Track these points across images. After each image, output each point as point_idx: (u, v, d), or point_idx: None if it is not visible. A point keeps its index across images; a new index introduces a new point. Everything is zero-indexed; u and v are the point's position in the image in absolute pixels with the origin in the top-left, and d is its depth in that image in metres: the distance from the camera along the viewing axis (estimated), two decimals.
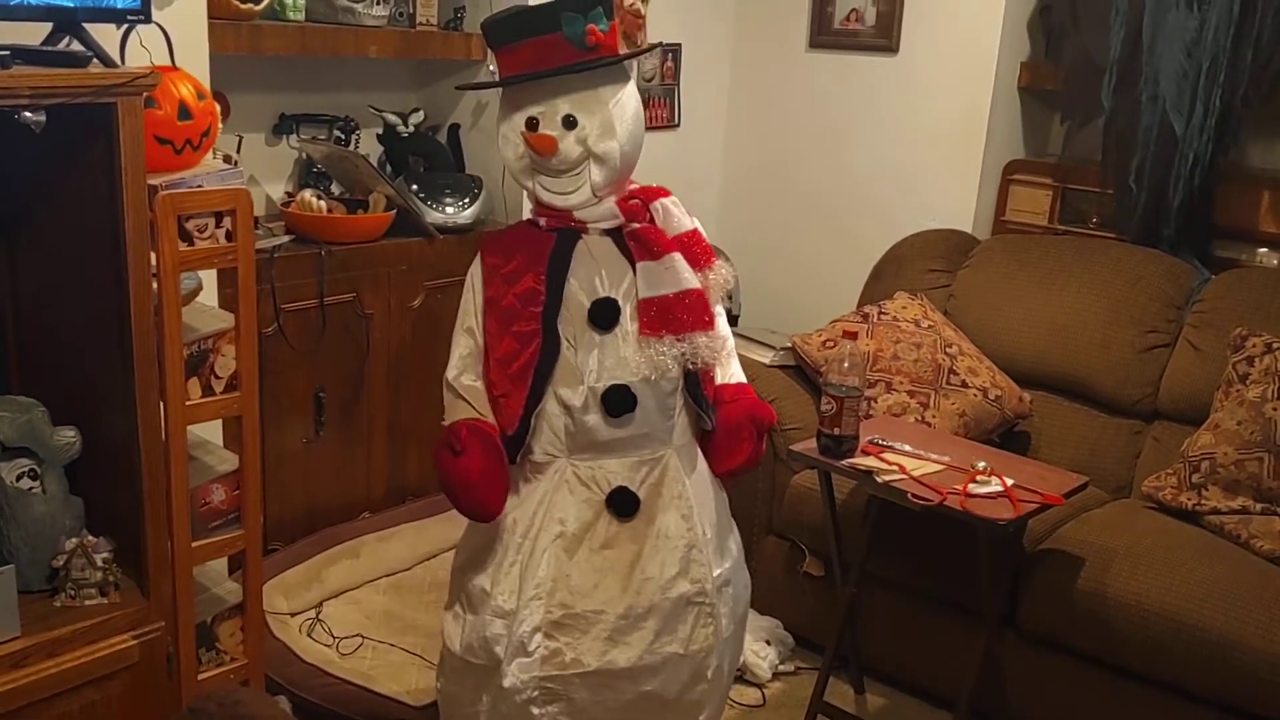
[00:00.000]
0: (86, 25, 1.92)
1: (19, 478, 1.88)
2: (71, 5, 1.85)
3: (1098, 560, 2.39)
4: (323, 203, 2.93)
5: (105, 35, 2.01)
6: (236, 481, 2.12)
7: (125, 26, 2.07)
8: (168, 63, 2.19)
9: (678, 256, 2.02)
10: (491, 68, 3.27)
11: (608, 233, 2.04)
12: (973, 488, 2.26)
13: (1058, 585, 2.41)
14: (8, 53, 1.67)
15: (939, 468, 2.35)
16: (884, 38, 3.50)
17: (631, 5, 3.40)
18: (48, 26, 1.90)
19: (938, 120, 3.42)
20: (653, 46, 2.05)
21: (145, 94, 1.78)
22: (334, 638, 2.68)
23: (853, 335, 2.45)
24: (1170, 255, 2.99)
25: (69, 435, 1.93)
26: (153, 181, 1.87)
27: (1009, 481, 2.28)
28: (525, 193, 2.09)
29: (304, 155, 3.18)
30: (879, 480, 2.30)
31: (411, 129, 3.29)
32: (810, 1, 3.65)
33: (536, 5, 1.97)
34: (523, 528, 2.00)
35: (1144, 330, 2.87)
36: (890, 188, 3.54)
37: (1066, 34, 3.30)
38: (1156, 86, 2.97)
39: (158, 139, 2.04)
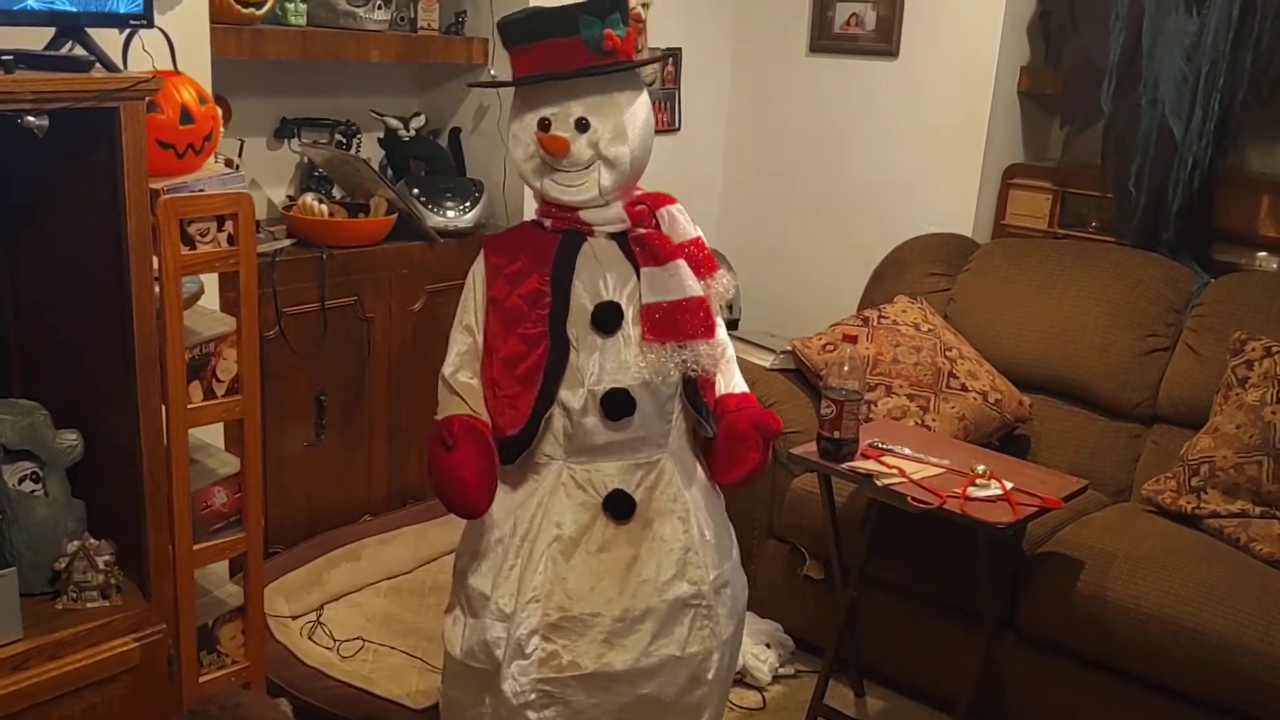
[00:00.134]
0: (89, 30, 1.93)
1: (21, 480, 1.89)
2: (74, 10, 1.86)
3: (1097, 563, 2.39)
4: (324, 206, 2.94)
5: (108, 40, 2.01)
6: (238, 484, 2.12)
7: (128, 31, 2.07)
8: (170, 67, 2.20)
9: (682, 263, 2.03)
10: (492, 71, 3.28)
11: (613, 236, 2.05)
12: (972, 491, 2.26)
13: (1057, 588, 2.41)
14: (11, 57, 1.68)
15: (939, 471, 2.36)
16: (884, 42, 3.51)
17: (632, 9, 3.41)
18: (51, 31, 1.91)
19: (938, 124, 3.43)
20: (668, 54, 2.05)
21: (147, 98, 1.79)
22: (335, 640, 2.68)
23: (853, 339, 2.45)
24: (1170, 259, 3.00)
25: (71, 438, 1.94)
26: (155, 185, 1.88)
27: (1008, 485, 2.28)
28: (531, 193, 2.10)
29: (305, 159, 3.19)
30: (879, 483, 2.31)
31: (413, 133, 3.30)
32: (810, 6, 3.66)
33: (555, 7, 1.98)
34: (522, 530, 2.01)
35: (1143, 334, 2.88)
36: (890, 191, 3.55)
37: (1066, 38, 3.30)
38: (1156, 91, 2.98)
39: (160, 143, 2.05)
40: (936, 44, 3.41)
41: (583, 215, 2.03)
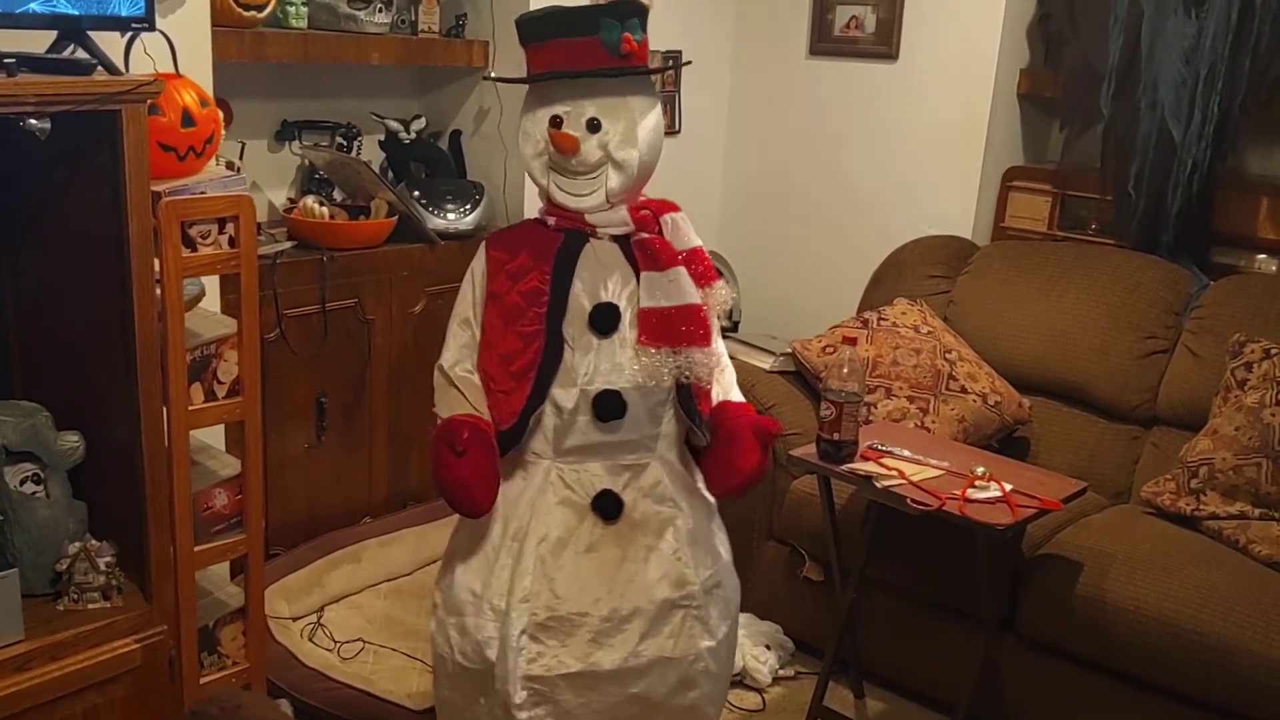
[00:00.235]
0: (91, 33, 1.94)
1: (23, 482, 1.90)
2: (76, 14, 1.86)
3: (1096, 565, 2.39)
4: (325, 209, 2.94)
5: (110, 43, 2.02)
6: (239, 486, 2.13)
7: (129, 34, 2.08)
8: (171, 70, 2.20)
9: (682, 270, 2.03)
10: (491, 73, 3.29)
11: (615, 239, 2.05)
12: (971, 493, 2.26)
13: (1056, 590, 2.41)
14: (13, 60, 1.68)
15: (938, 473, 2.36)
16: (884, 45, 3.51)
17: None
18: (53, 34, 1.91)
19: (937, 127, 3.43)
20: (686, 63, 2.07)
21: (149, 101, 1.79)
22: (335, 642, 2.69)
23: (852, 341, 2.46)
24: (1169, 261, 3.00)
25: (72, 440, 1.94)
26: (156, 188, 1.89)
27: (1008, 487, 2.29)
28: (537, 191, 2.10)
29: (306, 162, 3.19)
30: (878, 485, 2.31)
31: (413, 135, 3.31)
32: (810, 8, 3.66)
33: (575, 7, 1.99)
34: (511, 530, 2.02)
35: (1143, 336, 2.88)
36: (890, 194, 3.55)
37: (1065, 41, 3.31)
38: (1155, 93, 2.99)
39: (161, 145, 2.06)
40: (936, 47, 3.41)
41: (587, 216, 2.04)
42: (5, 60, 1.68)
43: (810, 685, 2.70)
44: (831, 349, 2.93)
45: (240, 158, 2.87)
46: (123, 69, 2.06)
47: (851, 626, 2.67)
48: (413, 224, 3.07)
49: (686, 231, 2.10)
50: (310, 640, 2.68)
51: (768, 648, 2.82)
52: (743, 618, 2.89)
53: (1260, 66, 2.86)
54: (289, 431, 2.87)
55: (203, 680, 2.10)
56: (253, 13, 2.71)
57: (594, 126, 1.98)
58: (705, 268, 2.09)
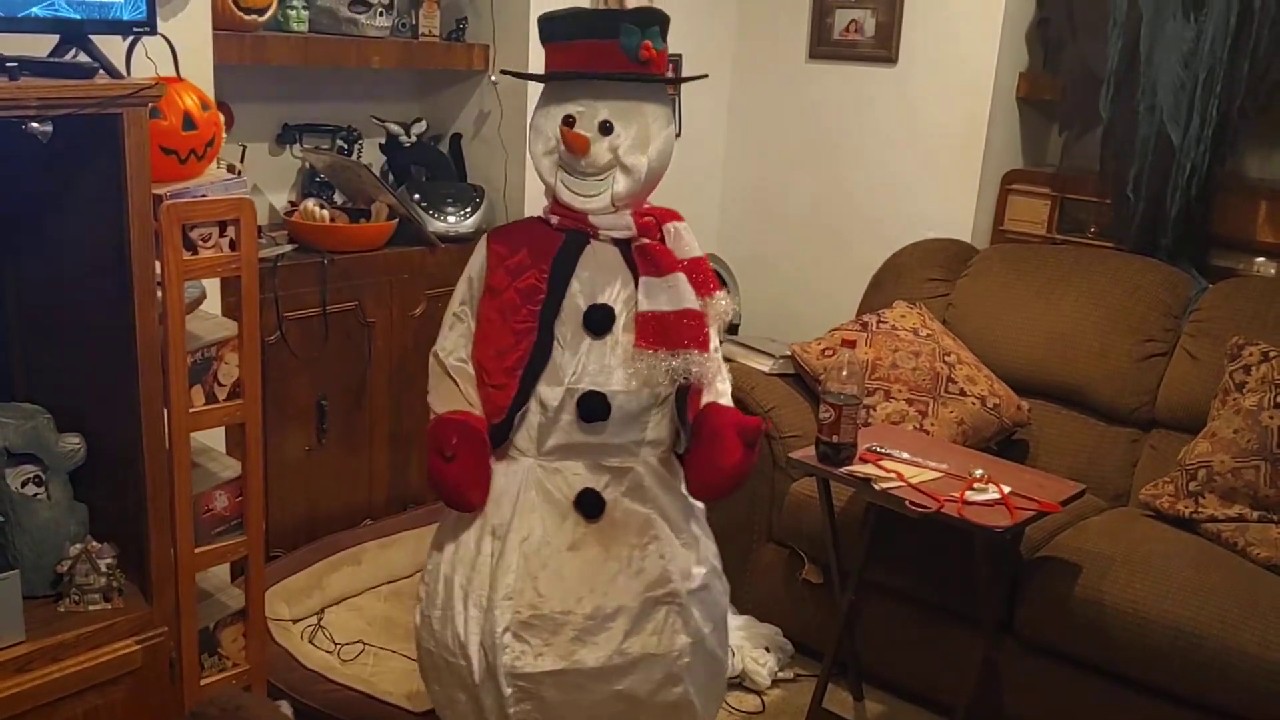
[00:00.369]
0: (93, 37, 1.95)
1: (24, 484, 1.90)
2: (78, 18, 1.87)
3: (1095, 568, 2.40)
4: (325, 212, 2.95)
5: (111, 46, 2.03)
6: (239, 488, 2.14)
7: (131, 38, 2.09)
8: (173, 73, 2.21)
9: (681, 277, 2.04)
10: (493, 78, 3.30)
11: (616, 243, 2.06)
12: (970, 495, 2.27)
13: (1055, 592, 2.42)
14: (15, 64, 1.69)
15: (937, 475, 2.36)
16: (883, 48, 3.52)
17: None
18: (55, 38, 1.92)
19: (937, 130, 3.44)
20: (699, 76, 2.10)
21: (150, 105, 1.80)
22: (335, 644, 2.69)
23: (851, 344, 2.46)
24: (1168, 264, 3.00)
25: (73, 442, 1.95)
26: (157, 191, 1.89)
27: (1006, 489, 2.29)
28: (542, 191, 2.11)
29: (307, 165, 3.20)
30: (877, 487, 2.32)
31: (414, 139, 3.32)
32: (810, 12, 3.67)
33: (598, 10, 2.00)
34: (493, 526, 2.02)
35: (1142, 339, 2.88)
36: (889, 197, 3.56)
37: (1064, 45, 3.32)
38: (1154, 97, 2.99)
39: (162, 149, 2.06)
40: (935, 50, 3.42)
41: (591, 218, 2.04)
42: (7, 64, 1.68)
43: (809, 687, 2.71)
44: (831, 351, 2.93)
45: (241, 161, 2.88)
46: (124, 72, 2.07)
47: (850, 629, 2.67)
48: (413, 227, 3.08)
49: (689, 241, 2.11)
50: (310, 642, 2.68)
51: (767, 650, 2.82)
52: (742, 620, 2.90)
53: (1259, 70, 2.87)
54: (290, 434, 2.88)
55: (203, 682, 2.10)
56: (254, 16, 2.72)
57: (606, 129, 1.99)
58: (706, 277, 2.10)
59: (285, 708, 2.39)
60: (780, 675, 2.81)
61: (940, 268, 3.26)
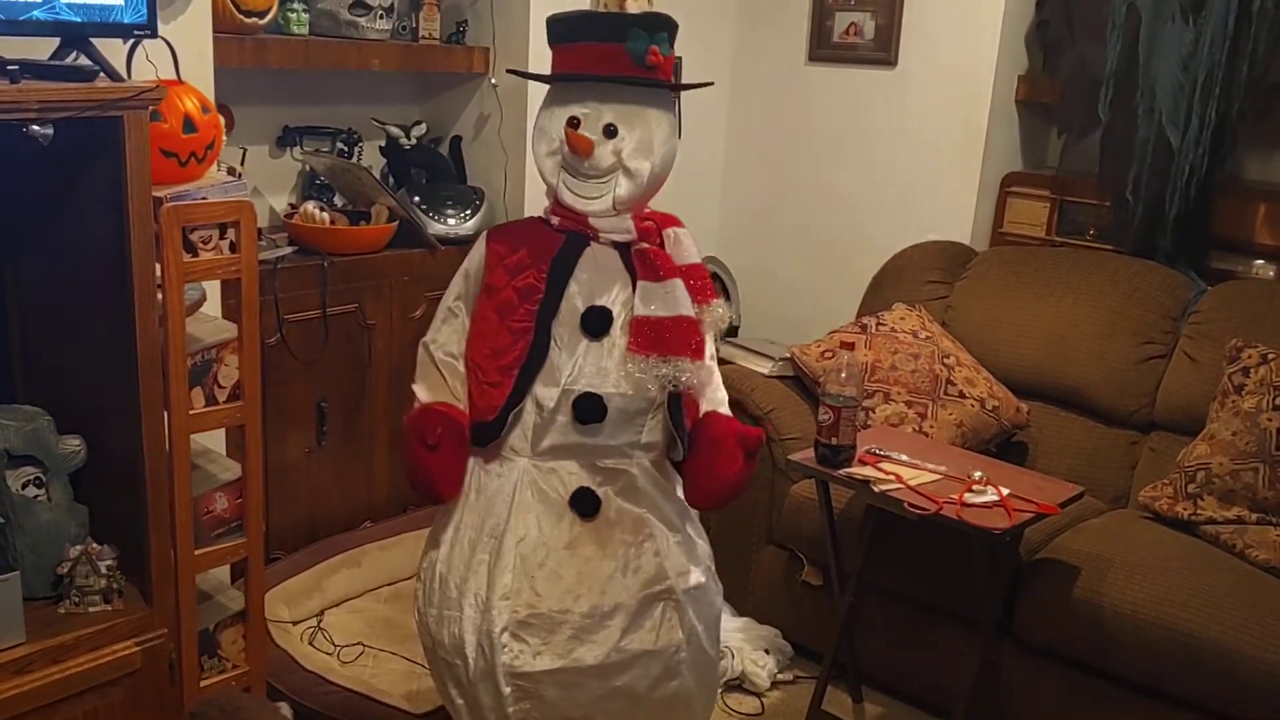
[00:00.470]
0: (93, 40, 1.95)
1: (24, 486, 1.91)
2: (79, 21, 1.88)
3: (1094, 570, 2.40)
4: (325, 214, 2.96)
5: (112, 49, 2.03)
6: (239, 490, 2.14)
7: (132, 41, 2.10)
8: (173, 76, 2.22)
9: (679, 283, 2.04)
10: (493, 81, 3.31)
11: (615, 246, 2.07)
12: (969, 497, 2.27)
13: (1054, 594, 2.42)
14: (16, 67, 1.70)
15: (936, 477, 2.37)
16: (883, 51, 3.52)
17: None
18: (56, 41, 1.93)
19: (936, 133, 3.44)
20: (707, 83, 2.11)
21: (151, 108, 1.81)
22: (335, 646, 2.70)
23: (850, 346, 2.47)
24: (1167, 267, 3.01)
25: (74, 444, 1.96)
26: (158, 193, 1.90)
27: (1005, 491, 2.29)
28: (544, 191, 2.12)
29: (307, 167, 3.21)
30: (876, 489, 2.32)
31: (414, 141, 3.32)
32: (810, 15, 3.67)
33: (606, 13, 2.01)
34: (489, 526, 2.03)
35: (1140, 341, 2.89)
36: (889, 199, 3.56)
37: (1064, 48, 3.32)
38: (1153, 99, 3.00)
39: (163, 151, 2.07)
40: (935, 53, 3.42)
41: (592, 220, 2.05)
42: (8, 67, 1.69)
43: (809, 689, 2.71)
44: (830, 354, 2.94)
45: (242, 163, 2.89)
46: (125, 75, 2.08)
47: (850, 631, 2.68)
48: (413, 229, 3.08)
49: (687, 247, 2.12)
50: (310, 644, 2.68)
51: (766, 652, 2.82)
52: (741, 622, 2.91)
53: (1257, 72, 2.87)
54: (290, 436, 2.88)
55: (203, 683, 2.10)
56: (254, 19, 2.72)
57: (610, 132, 2.00)
58: (704, 284, 2.11)
59: (285, 709, 2.39)
60: (779, 677, 2.82)
61: (940, 270, 3.27)
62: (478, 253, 2.12)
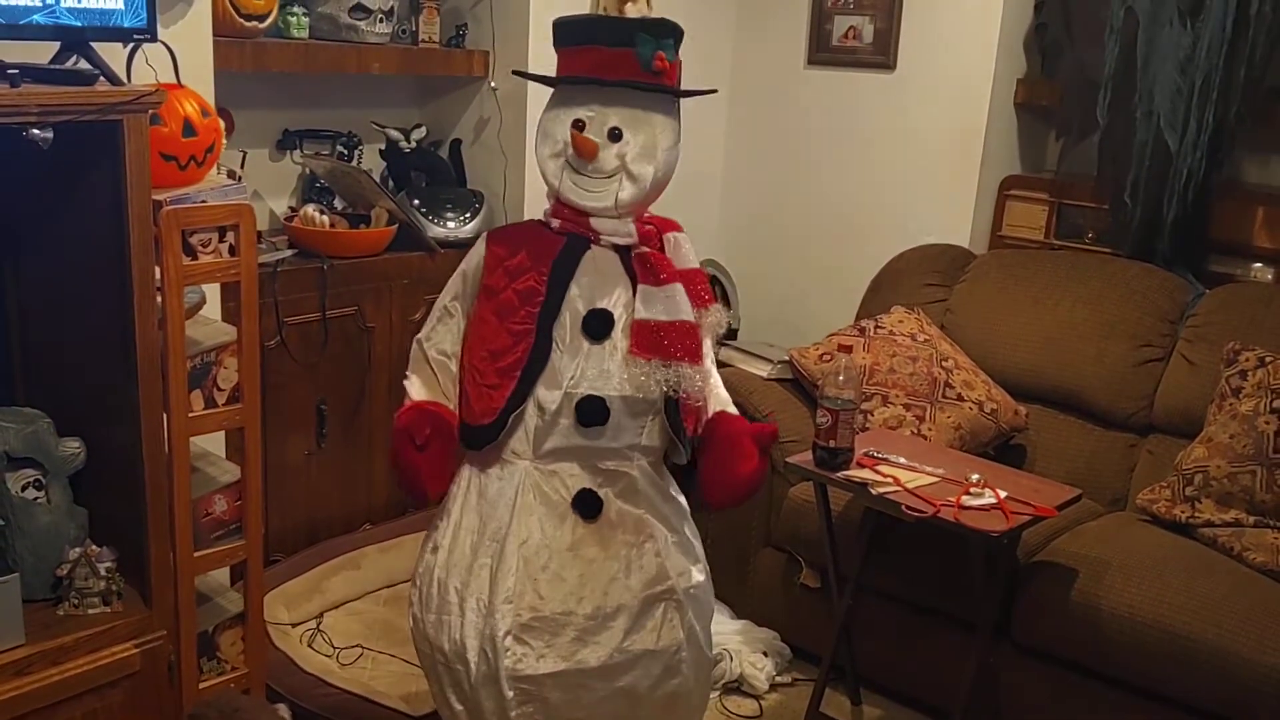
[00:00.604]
0: (93, 44, 1.96)
1: (24, 488, 1.91)
2: (79, 25, 1.89)
3: (1091, 572, 2.40)
4: (325, 217, 2.96)
5: (112, 53, 2.04)
6: (238, 492, 2.14)
7: (131, 45, 2.10)
8: (173, 80, 2.22)
9: (679, 287, 2.05)
10: (492, 84, 3.31)
11: (616, 249, 2.07)
12: (966, 500, 2.28)
13: (1052, 597, 2.42)
14: (16, 71, 1.71)
15: (933, 480, 2.37)
16: (882, 54, 3.53)
17: None
18: (56, 45, 1.94)
19: (935, 136, 3.45)
20: (711, 90, 2.13)
21: (150, 111, 1.81)
22: (334, 648, 2.70)
23: (848, 349, 2.47)
24: (1165, 270, 3.01)
25: (73, 446, 1.96)
26: (157, 197, 1.91)
27: (1002, 494, 2.30)
28: (545, 193, 2.12)
29: (307, 170, 3.22)
30: (874, 492, 2.32)
31: (414, 144, 3.33)
32: (809, 18, 3.68)
33: (613, 18, 2.02)
34: (491, 530, 2.03)
35: (1138, 344, 2.89)
36: (887, 202, 3.57)
37: (1062, 51, 3.33)
38: (1151, 103, 3.00)
39: (162, 155, 2.08)
40: (933, 56, 3.43)
41: (593, 223, 2.05)
42: (9, 71, 1.70)
43: (807, 692, 2.71)
44: (829, 357, 2.94)
45: (242, 166, 2.89)
46: (125, 79, 2.09)
47: (848, 633, 2.68)
48: (413, 232, 3.09)
49: (687, 251, 2.13)
50: (309, 646, 2.69)
51: (765, 654, 2.83)
52: (740, 624, 2.91)
53: (1255, 76, 2.88)
54: (289, 438, 2.89)
55: (202, 685, 2.11)
56: (254, 23, 2.73)
57: (615, 136, 2.01)
58: (703, 290, 2.12)
59: (284, 711, 2.40)
60: (778, 680, 2.82)
61: (938, 273, 3.27)
62: (476, 254, 2.12)
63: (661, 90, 2.02)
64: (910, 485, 2.33)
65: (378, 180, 3.20)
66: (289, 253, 2.89)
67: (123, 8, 1.93)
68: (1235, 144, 3.00)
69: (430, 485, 2.05)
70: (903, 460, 2.45)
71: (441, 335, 2.12)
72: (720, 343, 2.25)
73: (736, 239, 3.96)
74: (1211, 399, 2.68)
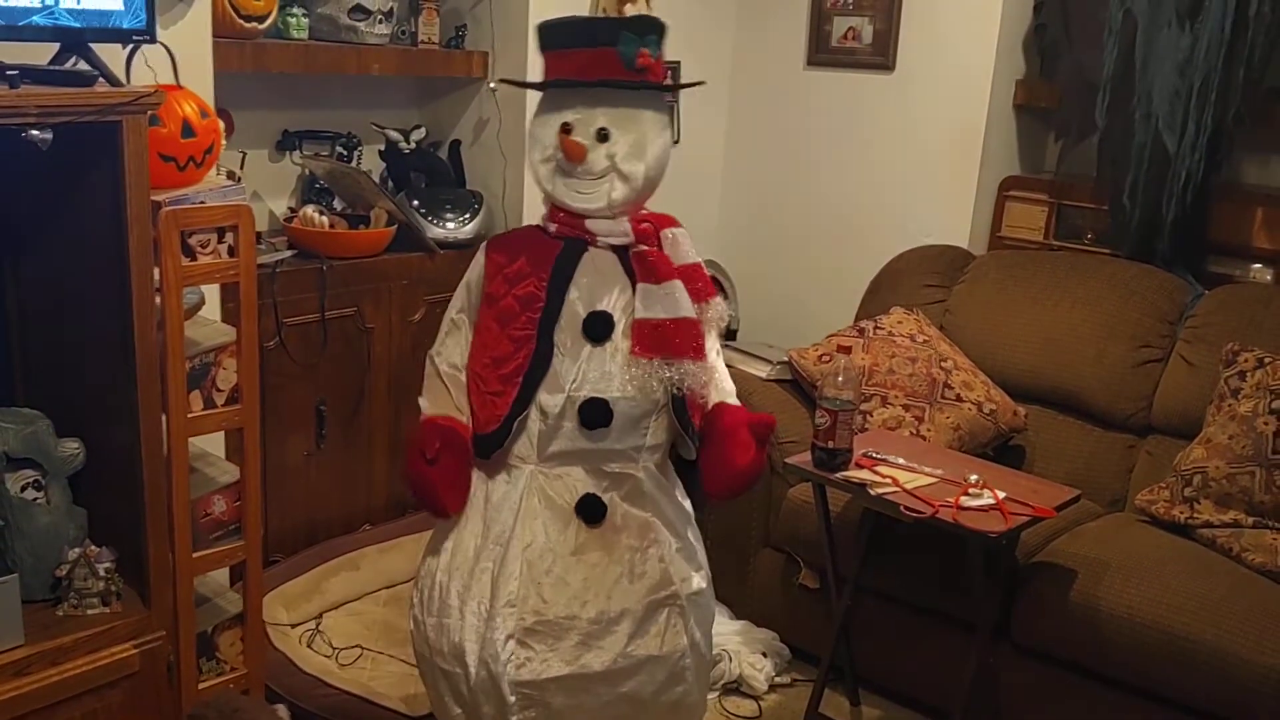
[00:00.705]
0: (93, 45, 1.96)
1: (23, 488, 1.91)
2: (79, 26, 1.89)
3: (1090, 573, 2.41)
4: (325, 218, 2.96)
5: (111, 55, 2.04)
6: (237, 493, 2.14)
7: (131, 46, 2.10)
8: (172, 81, 2.23)
9: (679, 284, 2.05)
10: (492, 85, 3.31)
11: (614, 249, 2.07)
12: (965, 500, 2.28)
13: (1051, 597, 2.42)
14: (16, 72, 1.71)
15: (932, 481, 2.37)
16: (881, 55, 3.53)
17: None
18: (55, 46, 1.94)
19: (934, 137, 3.45)
20: (698, 83, 2.12)
21: (149, 112, 1.82)
22: (333, 648, 2.70)
23: (847, 350, 2.47)
24: (1164, 271, 3.01)
25: (73, 447, 1.96)
26: (156, 198, 1.91)
27: (1001, 494, 2.30)
28: (541, 199, 2.12)
29: (307, 171, 3.22)
30: (872, 493, 2.33)
31: (413, 145, 3.33)
32: (808, 19, 3.68)
33: (596, 18, 2.02)
34: (494, 534, 2.03)
35: (1138, 345, 2.89)
36: (887, 203, 3.57)
37: (1061, 52, 3.33)
38: (1150, 104, 3.00)
39: (161, 156, 2.08)
40: (933, 58, 3.43)
41: (589, 225, 2.05)
42: (8, 72, 1.70)
43: (806, 692, 2.72)
44: (828, 357, 2.94)
45: (241, 167, 2.89)
46: (124, 80, 2.09)
47: (847, 633, 2.68)
48: (412, 233, 3.09)
49: (685, 247, 2.12)
50: (308, 646, 2.69)
51: (764, 655, 2.83)
52: (739, 625, 2.91)
53: (1254, 77, 2.88)
54: (289, 439, 2.89)
55: (201, 686, 2.11)
56: (254, 24, 2.73)
57: (603, 136, 2.01)
58: (703, 284, 2.11)
59: (283, 712, 2.40)
60: (777, 680, 2.82)
61: (937, 274, 3.27)
62: (477, 264, 2.13)
63: (645, 87, 2.01)
64: (909, 486, 2.33)
65: (377, 181, 3.20)
66: (288, 253, 2.89)
67: (122, 9, 1.93)
68: (1234, 145, 3.00)
69: (446, 498, 2.04)
70: (901, 461, 2.46)
71: (451, 348, 2.12)
72: (721, 342, 2.24)
73: (736, 239, 3.97)
74: (1210, 400, 2.68)
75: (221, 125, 2.30)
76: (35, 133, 1.67)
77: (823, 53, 3.67)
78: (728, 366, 3.10)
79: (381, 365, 3.05)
